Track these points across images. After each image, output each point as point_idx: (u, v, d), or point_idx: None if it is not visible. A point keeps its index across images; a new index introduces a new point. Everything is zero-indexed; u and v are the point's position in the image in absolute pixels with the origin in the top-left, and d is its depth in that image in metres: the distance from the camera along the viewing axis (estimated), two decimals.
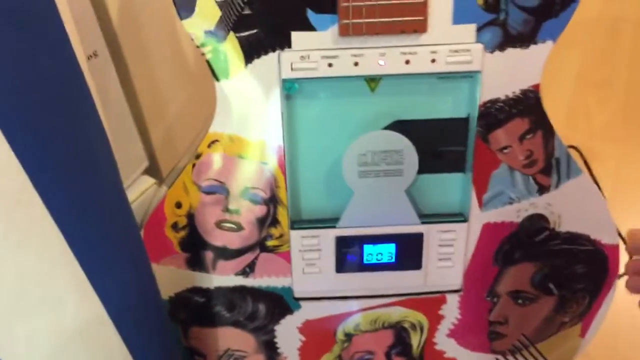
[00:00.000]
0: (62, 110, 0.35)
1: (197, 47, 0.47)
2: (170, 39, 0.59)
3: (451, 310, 0.58)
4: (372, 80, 0.50)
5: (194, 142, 0.56)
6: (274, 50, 0.47)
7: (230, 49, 0.47)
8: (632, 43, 1.01)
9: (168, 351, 0.51)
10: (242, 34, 0.46)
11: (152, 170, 0.62)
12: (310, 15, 0.46)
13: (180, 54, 0.59)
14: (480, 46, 0.47)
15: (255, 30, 0.46)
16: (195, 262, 0.55)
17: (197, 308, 0.57)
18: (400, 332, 0.59)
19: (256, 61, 0.47)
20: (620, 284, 0.58)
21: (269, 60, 0.47)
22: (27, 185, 0.33)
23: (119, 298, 0.42)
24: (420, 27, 0.46)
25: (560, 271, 0.57)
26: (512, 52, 0.48)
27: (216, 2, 0.45)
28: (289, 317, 0.58)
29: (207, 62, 0.47)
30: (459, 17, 0.46)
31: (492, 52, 0.47)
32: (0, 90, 0.31)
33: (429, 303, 0.58)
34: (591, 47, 0.98)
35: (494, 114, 0.50)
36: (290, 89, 0.49)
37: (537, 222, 0.55)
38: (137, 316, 0.46)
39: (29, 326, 0.38)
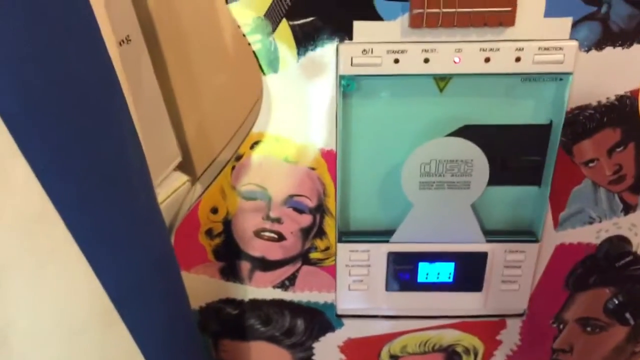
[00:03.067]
0: (87, 119, 0.29)
1: (244, 35, 0.40)
2: (209, 24, 0.53)
3: (511, 336, 0.52)
4: (442, 79, 0.43)
5: (233, 139, 0.50)
6: (331, 42, 0.40)
7: (281, 39, 0.40)
8: None
9: None
10: (296, 22, 0.40)
11: (186, 165, 0.57)
12: (377, 1, 0.39)
13: (220, 42, 0.53)
14: (574, 44, 0.40)
15: (311, 18, 0.40)
16: (230, 272, 0.50)
17: (230, 320, 0.52)
18: (451, 357, 0.54)
19: (310, 54, 0.41)
20: None
21: (325, 53, 0.41)
22: (47, 205, 0.28)
23: (148, 327, 0.37)
24: (506, 20, 0.39)
25: (638, 299, 0.50)
26: (610, 52, 0.41)
27: None
28: (329, 335, 0.52)
29: (254, 53, 0.41)
30: (553, 8, 0.39)
31: (587, 51, 0.40)
32: (17, 102, 0.25)
33: (487, 327, 0.52)
34: None
35: (583, 122, 0.43)
36: (348, 86, 0.42)
37: (618, 244, 0.48)
38: (166, 342, 0.40)
39: (46, 352, 0.33)
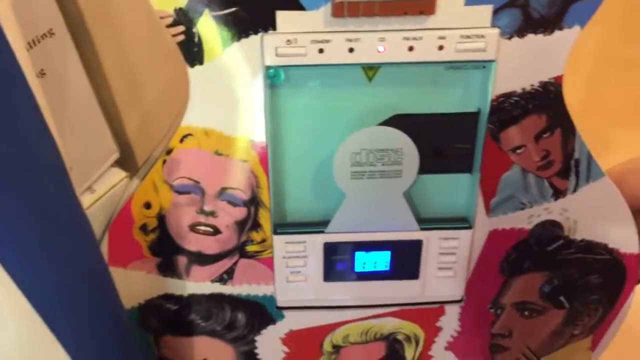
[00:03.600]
0: None
1: (167, 27, 0.40)
2: (146, 15, 0.52)
3: (450, 322, 0.53)
4: (370, 69, 0.43)
5: (167, 133, 0.50)
6: (255, 33, 0.40)
7: (205, 30, 0.40)
8: None
9: None
10: (219, 13, 0.39)
11: (127, 161, 0.56)
12: None
13: (159, 32, 0.52)
14: (496, 31, 0.40)
15: (234, 9, 0.39)
16: (167, 268, 0.49)
17: (170, 316, 0.52)
18: (393, 345, 0.54)
19: (235, 45, 0.40)
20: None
21: (249, 44, 0.40)
22: None
23: (66, 316, 0.37)
24: (427, 8, 0.39)
25: (573, 282, 0.51)
26: (532, 39, 0.41)
27: None
28: (271, 328, 0.52)
29: (179, 45, 0.40)
30: None
31: (509, 38, 0.41)
32: None
33: (426, 314, 0.53)
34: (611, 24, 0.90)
35: (508, 109, 0.44)
36: (274, 77, 0.42)
37: (550, 229, 0.49)
38: (87, 332, 0.40)
39: None
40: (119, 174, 0.55)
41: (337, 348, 0.54)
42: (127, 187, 0.55)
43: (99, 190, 0.53)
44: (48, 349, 0.36)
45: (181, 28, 0.40)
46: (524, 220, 0.48)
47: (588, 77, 0.84)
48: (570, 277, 0.51)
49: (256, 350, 0.54)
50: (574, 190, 0.47)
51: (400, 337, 0.54)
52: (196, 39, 0.40)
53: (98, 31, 0.49)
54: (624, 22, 0.82)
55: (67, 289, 0.35)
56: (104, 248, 0.48)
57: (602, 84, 0.86)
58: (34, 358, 0.36)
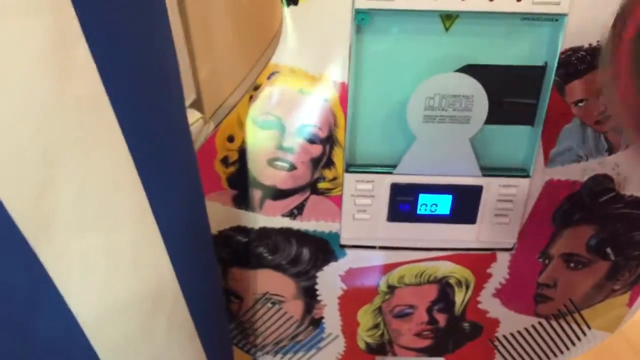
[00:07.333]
0: (140, 17, 0.32)
1: None
2: None
3: (500, 269, 0.56)
4: (448, 18, 0.46)
5: (248, 75, 0.53)
6: None
7: None
8: None
9: (214, 287, 0.50)
10: None
11: (197, 105, 0.60)
12: None
13: None
14: None
15: None
16: (242, 200, 0.53)
17: (240, 248, 0.56)
18: (444, 288, 0.58)
19: None
20: None
21: None
22: (101, 91, 0.31)
23: (175, 227, 0.40)
24: None
25: (618, 236, 0.55)
26: None
27: None
28: (332, 264, 0.56)
29: None
30: None
31: None
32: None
33: (478, 260, 0.56)
34: None
35: (575, 63, 0.47)
36: (362, 20, 0.46)
37: (602, 182, 0.52)
38: (189, 247, 0.44)
39: (84, 243, 0.36)
40: (195, 115, 0.58)
41: (392, 288, 0.57)
42: (202, 129, 0.59)
43: None
44: (158, 257, 0.40)
45: None
46: (578, 172, 0.51)
47: None
48: (616, 232, 0.54)
49: (316, 286, 0.57)
50: (627, 146, 0.51)
51: (452, 281, 0.57)
52: None
53: None
54: None
55: (174, 183, 0.39)
56: None
57: None
58: (143, 261, 0.40)
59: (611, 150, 0.51)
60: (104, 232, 0.37)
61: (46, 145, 0.30)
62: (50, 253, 0.35)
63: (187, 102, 0.58)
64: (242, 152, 0.51)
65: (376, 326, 0.60)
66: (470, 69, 0.48)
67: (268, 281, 0.57)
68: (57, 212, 0.34)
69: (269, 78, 0.48)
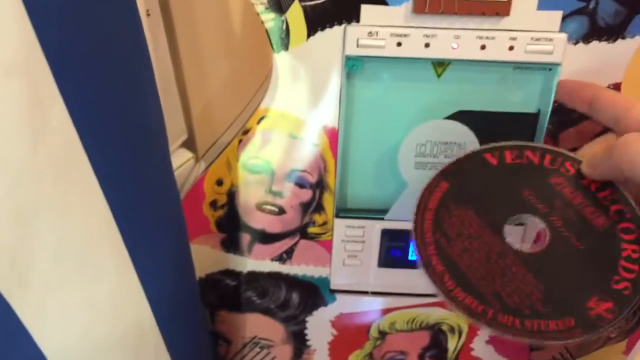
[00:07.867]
0: (120, 68, 0.32)
1: (258, 14, 0.43)
2: (219, 4, 0.55)
3: None
4: (440, 65, 0.46)
5: (238, 118, 0.53)
6: (340, 24, 0.43)
7: (293, 19, 0.43)
8: None
9: (199, 333, 0.49)
10: (308, 3, 0.43)
11: (189, 144, 0.59)
12: None
13: (228, 23, 0.55)
14: (564, 36, 0.43)
15: (322, 0, 0.42)
16: (231, 244, 0.52)
17: (228, 292, 0.55)
18: (437, 334, 0.56)
19: (319, 34, 0.44)
20: None
21: (333, 34, 0.44)
22: (78, 150, 0.30)
23: (157, 275, 0.40)
24: (503, 10, 0.42)
25: None
26: (596, 46, 0.44)
27: None
28: (322, 309, 0.55)
29: (267, 31, 0.44)
30: (545, 1, 0.42)
31: (575, 43, 0.44)
32: (60, 43, 0.27)
33: None
34: None
35: (568, 112, 0.46)
36: (353, 67, 0.45)
37: None
38: (173, 295, 0.43)
39: (62, 296, 0.35)
40: (186, 155, 0.58)
41: (383, 334, 0.56)
42: (192, 169, 0.58)
43: None
44: (138, 305, 0.39)
45: (272, 15, 0.43)
46: None
47: None
48: None
49: (306, 331, 0.56)
50: None
51: (444, 327, 0.56)
52: (283, 27, 0.44)
53: (180, 15, 0.52)
54: None
55: (157, 232, 0.38)
56: None
57: None
58: (122, 310, 0.39)
59: None
60: (82, 285, 0.36)
61: (20, 203, 0.30)
62: (27, 307, 0.34)
63: (178, 142, 0.57)
64: (231, 195, 0.50)
65: None
66: (462, 116, 0.47)
67: (257, 325, 0.56)
68: (33, 268, 0.33)
69: (258, 122, 0.48)
